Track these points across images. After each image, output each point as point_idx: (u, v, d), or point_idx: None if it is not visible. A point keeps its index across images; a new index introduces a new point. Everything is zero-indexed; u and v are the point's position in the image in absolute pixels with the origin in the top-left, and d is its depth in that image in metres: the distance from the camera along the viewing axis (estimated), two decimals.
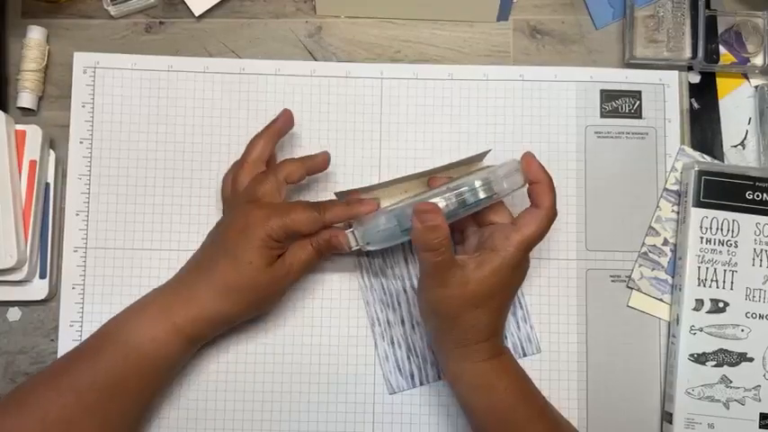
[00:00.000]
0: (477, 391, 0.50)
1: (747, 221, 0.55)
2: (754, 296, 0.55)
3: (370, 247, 0.51)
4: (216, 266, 0.50)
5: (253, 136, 0.55)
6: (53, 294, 0.56)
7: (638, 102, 0.59)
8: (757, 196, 0.55)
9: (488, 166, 0.53)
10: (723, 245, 0.55)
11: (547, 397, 0.52)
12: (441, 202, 0.49)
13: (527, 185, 0.51)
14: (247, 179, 0.53)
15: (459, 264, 0.48)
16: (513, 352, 0.56)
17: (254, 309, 0.52)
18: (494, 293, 0.49)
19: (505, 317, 0.52)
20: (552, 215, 0.50)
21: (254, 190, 0.52)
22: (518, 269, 0.50)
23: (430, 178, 0.56)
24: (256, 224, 0.50)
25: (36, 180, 0.55)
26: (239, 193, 0.53)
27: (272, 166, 0.54)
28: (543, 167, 0.51)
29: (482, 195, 0.49)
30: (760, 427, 0.54)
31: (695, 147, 0.59)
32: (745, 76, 0.60)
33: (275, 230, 0.49)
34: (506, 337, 0.57)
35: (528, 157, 0.51)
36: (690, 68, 0.59)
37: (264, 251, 0.50)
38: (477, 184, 0.49)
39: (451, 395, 0.56)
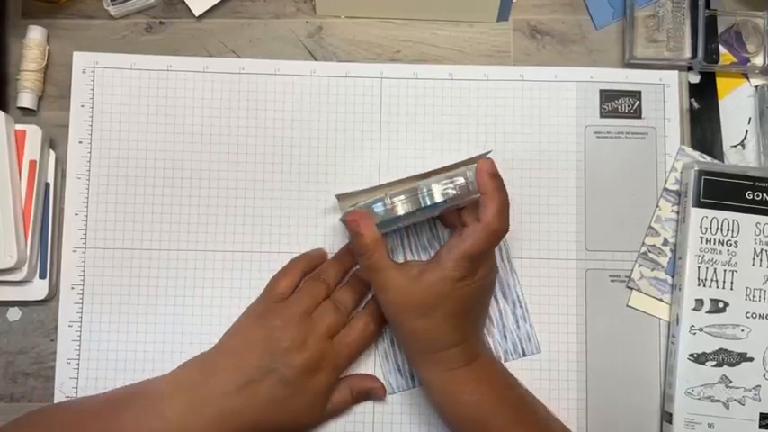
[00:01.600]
0: (446, 398, 0.50)
1: (747, 221, 0.55)
2: (754, 296, 0.55)
3: None
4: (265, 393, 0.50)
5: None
6: (53, 294, 0.56)
7: (637, 102, 0.59)
8: (757, 196, 0.55)
9: (462, 168, 0.52)
10: (723, 245, 0.55)
11: (546, 397, 0.53)
12: (399, 203, 0.50)
13: None
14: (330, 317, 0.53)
15: (397, 268, 0.49)
16: (512, 351, 0.56)
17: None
18: (436, 304, 0.49)
19: (471, 325, 0.51)
20: (492, 230, 0.48)
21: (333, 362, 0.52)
22: (462, 281, 0.49)
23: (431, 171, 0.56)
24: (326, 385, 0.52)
25: (36, 180, 0.55)
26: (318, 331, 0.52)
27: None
28: (495, 177, 0.49)
29: (438, 199, 0.49)
30: (760, 428, 0.54)
31: (695, 147, 0.59)
32: (745, 76, 0.59)
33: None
34: (506, 337, 0.57)
35: (481, 165, 0.49)
36: (690, 68, 0.59)
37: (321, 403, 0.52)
38: (435, 188, 0.49)
39: None
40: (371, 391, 0.54)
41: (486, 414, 0.49)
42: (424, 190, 0.49)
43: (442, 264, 0.49)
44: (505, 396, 0.51)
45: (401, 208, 0.50)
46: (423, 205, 0.49)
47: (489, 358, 0.53)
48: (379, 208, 0.50)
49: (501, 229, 0.49)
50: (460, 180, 0.49)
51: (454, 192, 0.49)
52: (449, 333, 0.49)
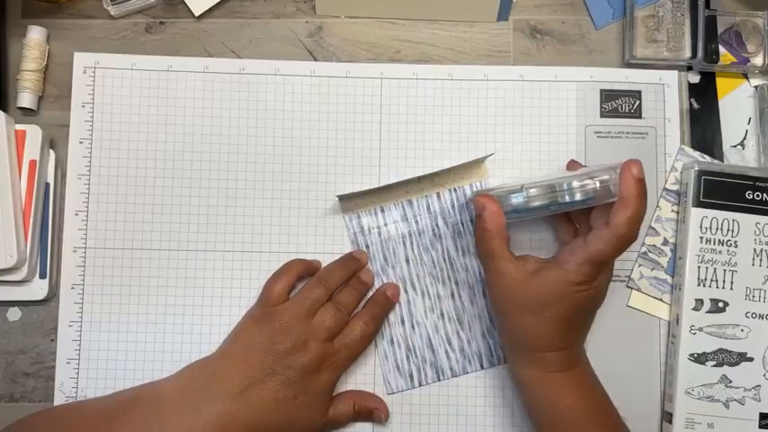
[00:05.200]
0: (539, 399, 0.50)
1: (747, 221, 0.55)
2: (753, 296, 0.55)
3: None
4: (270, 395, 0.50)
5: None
6: (53, 294, 0.56)
7: (637, 101, 0.59)
8: (757, 196, 0.55)
9: (606, 167, 0.49)
10: (723, 245, 0.55)
11: None
12: (536, 197, 0.49)
13: None
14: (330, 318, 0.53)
15: (514, 260, 0.49)
16: None
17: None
18: (548, 304, 0.48)
19: (578, 331, 0.51)
20: (622, 235, 0.46)
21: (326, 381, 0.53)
22: (580, 285, 0.48)
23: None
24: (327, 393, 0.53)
25: (36, 180, 0.55)
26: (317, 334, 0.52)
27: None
28: (640, 182, 0.47)
29: (578, 197, 0.48)
30: (760, 427, 0.54)
31: (695, 146, 0.59)
32: (745, 76, 0.60)
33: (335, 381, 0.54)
34: None
35: (627, 166, 0.47)
36: (690, 68, 0.59)
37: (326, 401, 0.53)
38: (575, 184, 0.48)
39: (450, 396, 0.56)
40: (374, 412, 0.54)
41: (575, 422, 0.49)
42: (564, 186, 0.48)
43: (564, 265, 0.48)
44: (597, 407, 0.50)
45: (537, 200, 0.49)
46: (560, 201, 0.48)
47: (587, 367, 0.52)
48: (517, 198, 0.49)
49: (631, 236, 0.47)
50: (605, 178, 0.48)
51: (594, 192, 0.48)
52: (555, 336, 0.49)
